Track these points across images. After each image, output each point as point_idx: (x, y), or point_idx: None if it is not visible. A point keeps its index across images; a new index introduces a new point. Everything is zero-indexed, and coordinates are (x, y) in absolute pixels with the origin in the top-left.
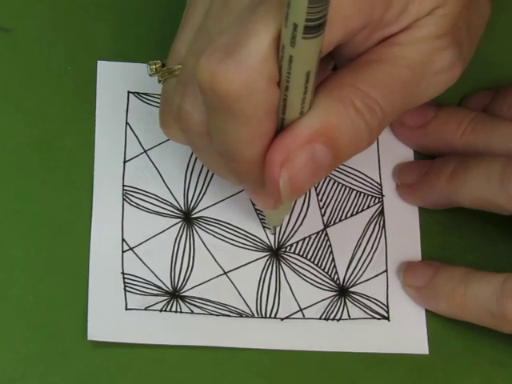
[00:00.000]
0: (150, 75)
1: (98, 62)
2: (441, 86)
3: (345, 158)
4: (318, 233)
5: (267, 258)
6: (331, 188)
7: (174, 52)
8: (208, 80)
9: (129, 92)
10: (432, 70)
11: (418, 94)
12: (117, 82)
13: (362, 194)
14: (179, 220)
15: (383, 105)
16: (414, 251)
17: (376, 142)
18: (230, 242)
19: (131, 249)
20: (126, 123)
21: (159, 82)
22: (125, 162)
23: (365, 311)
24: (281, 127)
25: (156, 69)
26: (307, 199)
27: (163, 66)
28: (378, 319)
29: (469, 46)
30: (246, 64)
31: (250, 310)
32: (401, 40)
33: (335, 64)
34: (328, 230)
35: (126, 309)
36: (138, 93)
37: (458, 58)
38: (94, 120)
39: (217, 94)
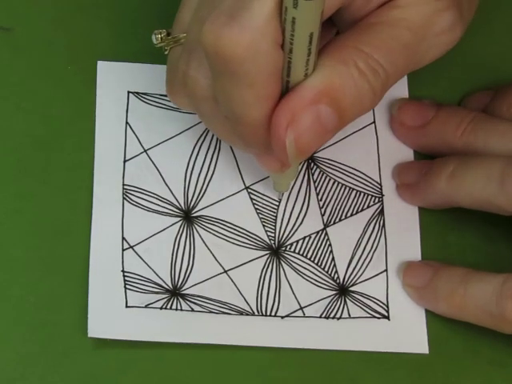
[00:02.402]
0: (155, 45)
1: (98, 62)
2: (442, 47)
3: (349, 119)
4: (317, 232)
5: (267, 256)
6: (331, 187)
7: (178, 21)
8: (212, 43)
9: (129, 92)
10: (433, 31)
11: (419, 56)
12: (117, 82)
13: (362, 194)
14: (179, 219)
15: (386, 66)
16: (414, 251)
17: (376, 142)
18: (230, 240)
19: (131, 247)
20: (126, 123)
21: (165, 51)
22: (125, 161)
23: (365, 310)
24: (286, 90)
25: (161, 38)
26: (307, 199)
27: (168, 35)
28: (378, 318)
29: (468, 7)
30: (250, 26)
31: (251, 308)
32: (401, 2)
33: (337, 31)
34: (328, 229)
35: (127, 306)
36: (137, 93)
37: (458, 18)
38: (94, 120)
39: (221, 57)
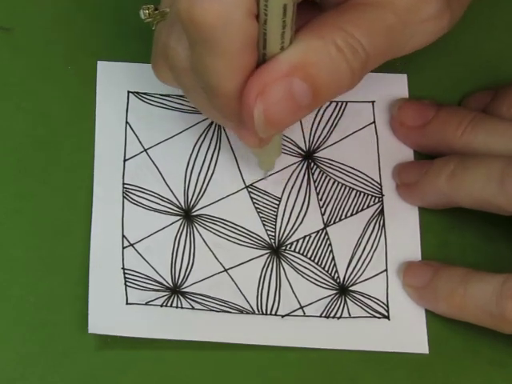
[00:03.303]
0: (143, 20)
1: (98, 62)
2: (427, 35)
3: (325, 98)
4: (318, 232)
5: (267, 255)
6: (331, 187)
7: None
8: (186, 10)
9: (129, 92)
10: (418, 17)
11: (402, 41)
12: (117, 81)
13: (362, 194)
14: (179, 218)
15: (366, 46)
16: (414, 251)
17: (376, 142)
18: (231, 239)
19: (132, 245)
20: (126, 123)
21: (152, 26)
22: (125, 160)
23: (365, 310)
24: (262, 63)
25: (149, 13)
26: (307, 198)
27: (156, 10)
28: (378, 318)
29: (458, 0)
30: None
31: (251, 306)
32: None
33: None
34: (328, 229)
35: (127, 303)
36: (137, 93)
37: (445, 8)
38: (94, 120)
39: (194, 25)
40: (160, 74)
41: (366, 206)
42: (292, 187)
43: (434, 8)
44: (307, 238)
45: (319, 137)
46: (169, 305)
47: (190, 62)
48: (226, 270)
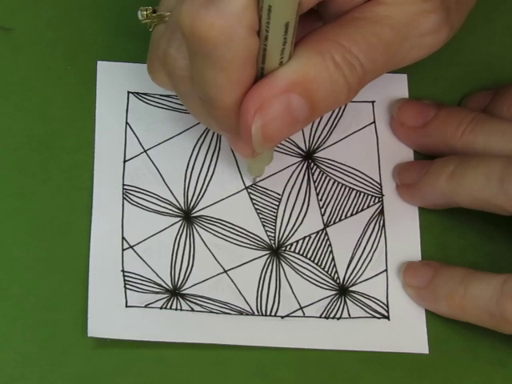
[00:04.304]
0: (141, 21)
1: (98, 62)
2: (425, 48)
3: (321, 112)
4: (317, 232)
5: (267, 256)
6: (331, 187)
7: None
8: (189, 24)
9: (129, 92)
10: (416, 31)
11: (400, 55)
12: (117, 81)
13: (362, 194)
14: (179, 219)
15: (364, 62)
16: (414, 251)
17: (376, 142)
18: (230, 240)
19: (131, 247)
20: (126, 123)
21: (149, 28)
22: (125, 161)
23: (365, 310)
24: (261, 77)
25: (147, 15)
26: (307, 199)
27: (154, 12)
28: (378, 318)
29: (457, 13)
30: (227, 10)
31: (251, 308)
32: (387, 0)
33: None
34: (328, 229)
35: (126, 306)
36: (137, 93)
37: (444, 22)
38: (94, 120)
39: (197, 39)
40: (156, 78)
41: (365, 206)
42: (292, 187)
43: (432, 22)
44: (307, 238)
45: (319, 137)
46: (168, 307)
47: (189, 72)
48: (225, 272)
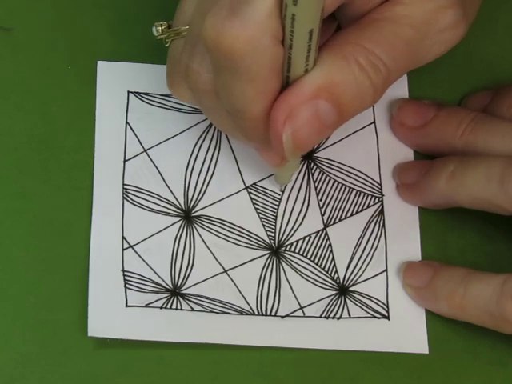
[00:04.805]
0: (156, 37)
1: (98, 62)
2: (445, 44)
3: (349, 115)
4: (317, 232)
5: (267, 256)
6: (331, 187)
7: (180, 13)
8: (213, 37)
9: (129, 92)
10: (436, 28)
11: (422, 53)
12: (117, 81)
13: (362, 194)
14: (179, 218)
15: (387, 62)
16: (414, 251)
17: (376, 142)
18: (230, 240)
19: (131, 247)
20: (126, 123)
21: (165, 43)
22: (125, 161)
23: (365, 310)
24: (286, 85)
25: (162, 30)
26: (307, 199)
27: (169, 27)
28: (378, 318)
29: (471, 4)
30: (251, 21)
31: (251, 307)
32: None
33: (338, 24)
34: (328, 229)
35: (127, 305)
36: (137, 93)
37: (461, 16)
38: (94, 120)
39: (222, 52)
40: (179, 93)
41: (366, 206)
42: (292, 187)
43: (450, 18)
44: (307, 238)
45: None
46: (168, 307)
47: (213, 85)
48: (225, 271)
